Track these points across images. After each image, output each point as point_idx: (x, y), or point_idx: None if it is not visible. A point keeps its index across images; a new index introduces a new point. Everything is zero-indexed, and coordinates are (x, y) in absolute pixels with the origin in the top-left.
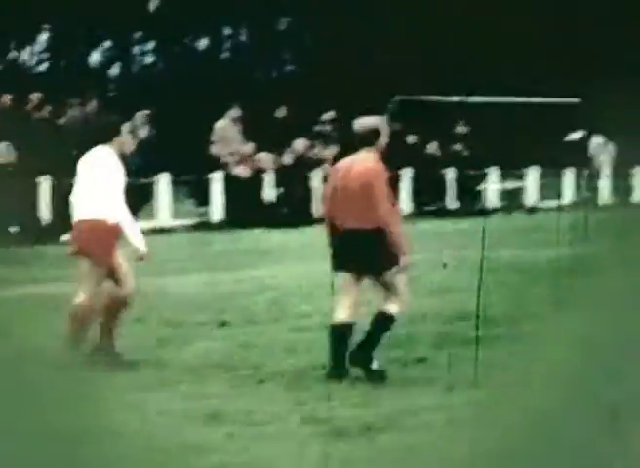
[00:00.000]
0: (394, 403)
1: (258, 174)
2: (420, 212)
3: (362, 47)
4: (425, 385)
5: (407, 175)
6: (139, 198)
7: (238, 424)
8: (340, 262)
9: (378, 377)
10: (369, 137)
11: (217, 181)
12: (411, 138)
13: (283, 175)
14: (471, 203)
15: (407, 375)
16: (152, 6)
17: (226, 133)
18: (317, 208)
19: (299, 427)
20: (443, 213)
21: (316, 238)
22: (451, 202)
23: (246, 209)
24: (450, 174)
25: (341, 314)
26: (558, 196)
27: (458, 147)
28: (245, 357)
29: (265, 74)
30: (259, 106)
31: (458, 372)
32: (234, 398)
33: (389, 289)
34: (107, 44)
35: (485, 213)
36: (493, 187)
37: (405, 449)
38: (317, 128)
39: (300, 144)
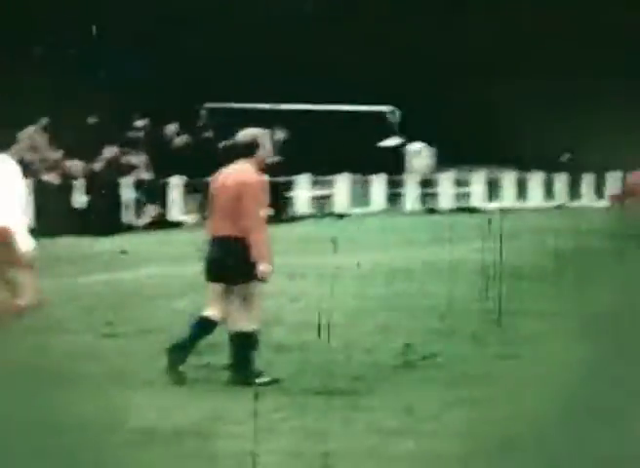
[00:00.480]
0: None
1: (67, 180)
2: None
3: (174, 53)
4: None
5: None
6: None
7: None
8: (208, 272)
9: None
10: (248, 148)
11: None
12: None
13: (93, 182)
14: (282, 210)
15: None
16: None
17: (34, 140)
18: (126, 215)
19: None
20: None
21: (125, 245)
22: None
23: (56, 216)
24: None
25: (215, 316)
26: (367, 203)
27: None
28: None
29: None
30: (69, 113)
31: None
32: None
33: (246, 301)
34: None
35: (295, 219)
36: (304, 194)
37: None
38: (129, 134)
39: (110, 151)
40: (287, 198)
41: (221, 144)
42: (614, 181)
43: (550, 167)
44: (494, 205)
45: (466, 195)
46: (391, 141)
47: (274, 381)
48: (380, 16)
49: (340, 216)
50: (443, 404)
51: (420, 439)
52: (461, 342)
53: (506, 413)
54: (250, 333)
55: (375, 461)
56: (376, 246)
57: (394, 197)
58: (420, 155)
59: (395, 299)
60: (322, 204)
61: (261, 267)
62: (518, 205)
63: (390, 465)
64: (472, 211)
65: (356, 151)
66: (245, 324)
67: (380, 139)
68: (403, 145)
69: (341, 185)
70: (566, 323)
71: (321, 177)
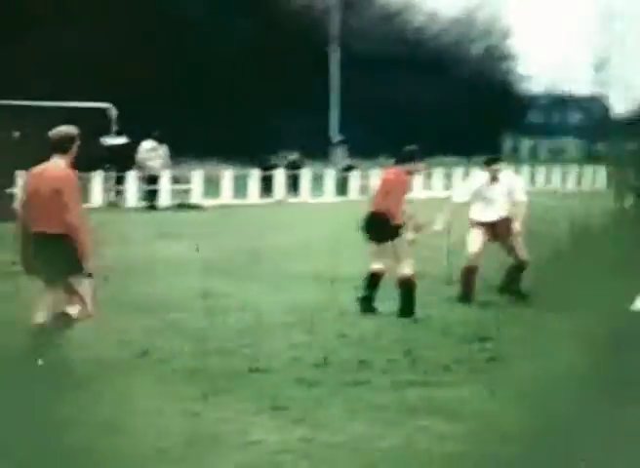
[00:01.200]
0: None
1: None
2: None
3: None
4: None
5: None
6: None
7: None
8: (30, 267)
9: None
10: (63, 145)
11: None
12: None
13: None
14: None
15: None
16: None
17: None
18: None
19: None
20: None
21: None
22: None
23: None
24: None
25: (40, 319)
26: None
27: None
28: None
29: None
30: None
31: None
32: None
33: (71, 293)
34: None
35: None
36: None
37: None
38: None
39: None
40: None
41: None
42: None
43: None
44: (213, 202)
45: (187, 192)
46: (119, 139)
47: None
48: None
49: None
50: None
51: None
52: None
53: None
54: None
55: None
56: None
57: (119, 193)
58: (151, 152)
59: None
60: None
61: (87, 264)
62: (237, 202)
63: None
64: (191, 207)
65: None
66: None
67: (100, 136)
68: (134, 143)
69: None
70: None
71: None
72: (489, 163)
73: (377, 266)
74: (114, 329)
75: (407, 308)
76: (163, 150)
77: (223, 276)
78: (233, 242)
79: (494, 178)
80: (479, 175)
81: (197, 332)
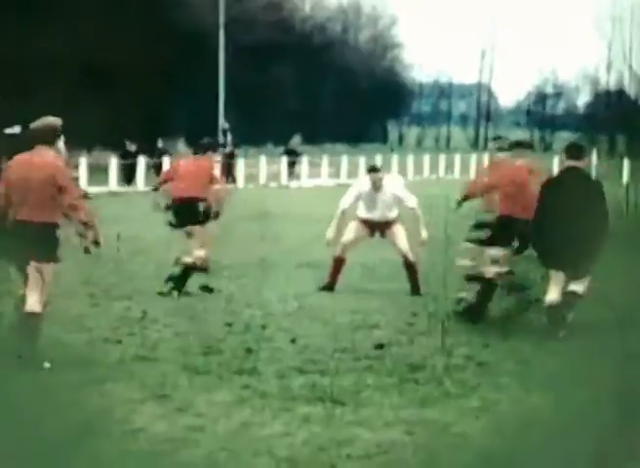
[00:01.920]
0: None
1: None
2: None
3: None
4: None
5: None
6: None
7: None
8: (22, 254)
9: None
10: (47, 136)
11: None
12: None
13: None
14: None
15: None
16: None
17: None
18: None
19: None
20: None
21: None
22: None
23: None
24: None
25: (33, 307)
26: None
27: None
28: None
29: None
30: None
31: None
32: None
33: (39, 281)
34: None
35: None
36: None
37: None
38: None
39: None
40: None
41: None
42: None
43: None
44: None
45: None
46: (15, 128)
47: None
48: None
49: None
50: None
51: None
52: None
53: None
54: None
55: None
56: None
57: None
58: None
59: None
60: None
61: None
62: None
63: None
64: None
65: None
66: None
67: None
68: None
69: None
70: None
71: None
72: (370, 171)
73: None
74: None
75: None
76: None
77: None
78: None
79: (376, 187)
80: (363, 181)
81: None
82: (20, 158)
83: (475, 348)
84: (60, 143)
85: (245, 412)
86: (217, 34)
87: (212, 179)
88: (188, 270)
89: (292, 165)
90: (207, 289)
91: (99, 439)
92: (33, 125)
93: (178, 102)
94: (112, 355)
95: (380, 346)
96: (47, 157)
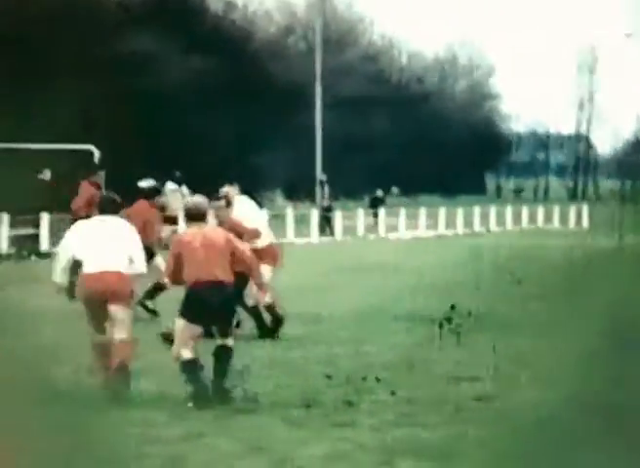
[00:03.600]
0: None
1: None
2: None
3: None
4: None
5: None
6: None
7: None
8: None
9: None
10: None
11: None
12: None
13: None
14: None
15: None
16: None
17: None
18: None
19: None
20: None
21: None
22: None
23: None
24: None
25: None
26: None
27: None
28: None
29: None
30: None
31: None
32: None
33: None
34: None
35: None
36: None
37: None
38: None
39: None
40: None
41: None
42: None
43: None
44: None
45: None
46: (147, 182)
47: None
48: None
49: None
50: None
51: None
52: None
53: None
54: None
55: None
56: None
57: None
58: (176, 194)
59: None
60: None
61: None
62: None
63: None
64: None
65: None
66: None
67: (86, 177)
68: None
69: (43, 224)
70: None
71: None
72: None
73: None
74: None
75: None
76: (183, 191)
77: None
78: None
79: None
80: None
81: None
82: (190, 233)
83: None
84: (184, 190)
85: (343, 466)
86: (313, 85)
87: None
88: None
89: (376, 216)
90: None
91: None
92: (189, 206)
93: (275, 154)
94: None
95: (479, 399)
96: (217, 232)
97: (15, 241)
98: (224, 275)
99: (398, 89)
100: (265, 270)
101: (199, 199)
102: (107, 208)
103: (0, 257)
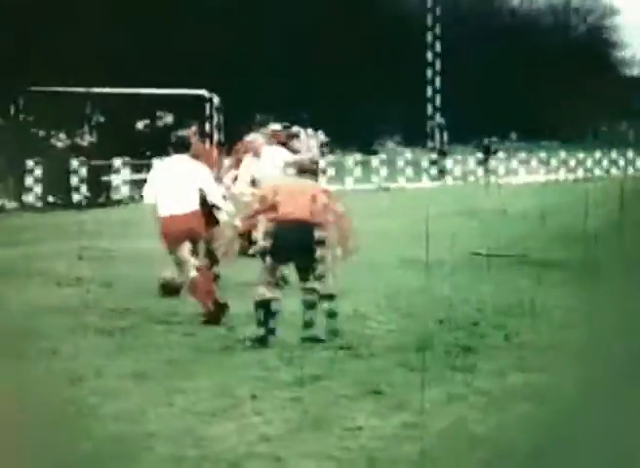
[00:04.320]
0: None
1: None
2: (50, 203)
3: None
4: None
5: (36, 166)
6: None
7: None
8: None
9: None
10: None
11: None
12: (41, 131)
13: None
14: (100, 194)
15: None
16: None
17: None
18: None
19: None
20: (72, 204)
21: None
22: (80, 193)
23: None
24: (77, 164)
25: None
26: None
27: (86, 138)
28: None
29: None
30: None
31: None
32: None
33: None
34: None
35: (114, 203)
36: (122, 178)
37: None
38: None
39: None
40: (105, 181)
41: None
42: None
43: None
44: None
45: None
46: (279, 125)
47: None
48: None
49: None
50: None
51: None
52: None
53: None
54: None
55: None
56: None
57: None
58: (307, 138)
59: None
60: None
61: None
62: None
63: None
64: None
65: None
66: None
67: (203, 123)
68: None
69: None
70: None
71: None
72: None
73: None
74: None
75: None
76: (317, 137)
77: None
78: None
79: None
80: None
81: None
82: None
83: None
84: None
85: (461, 410)
86: (431, 28)
87: None
88: None
89: (485, 161)
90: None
91: (320, 433)
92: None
93: (390, 98)
94: (323, 352)
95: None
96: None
97: (134, 185)
98: (311, 217)
99: (512, 33)
100: None
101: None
102: (177, 148)
103: (121, 201)
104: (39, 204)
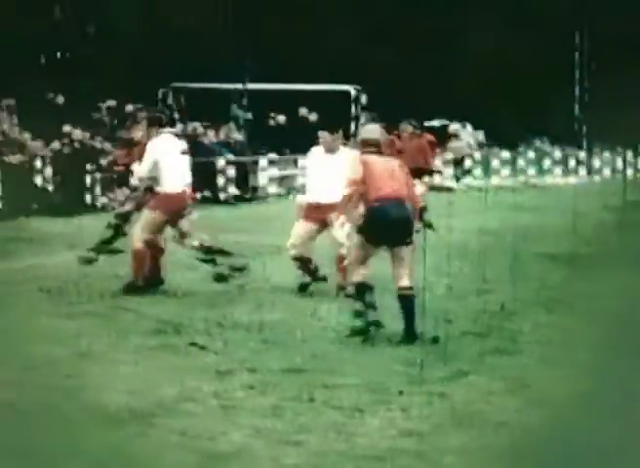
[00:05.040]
0: None
1: (32, 161)
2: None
3: (142, 34)
4: None
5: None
6: None
7: None
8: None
9: None
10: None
11: None
12: (190, 126)
13: (58, 163)
14: (247, 189)
15: None
16: None
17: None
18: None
19: None
20: (219, 199)
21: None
22: (227, 188)
23: (21, 197)
24: (225, 160)
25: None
26: None
27: (235, 134)
28: None
29: (43, 60)
30: (34, 93)
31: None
32: None
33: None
34: None
35: (260, 198)
36: (268, 173)
37: None
38: (95, 115)
39: (77, 133)
40: (254, 177)
41: None
42: None
43: None
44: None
45: None
46: (435, 122)
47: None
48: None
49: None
50: None
51: None
52: None
53: None
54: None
55: None
56: None
57: None
58: (459, 135)
59: None
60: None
61: None
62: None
63: None
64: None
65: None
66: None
67: (350, 119)
68: (445, 126)
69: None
70: None
71: (292, 156)
72: None
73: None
74: None
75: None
76: (470, 132)
77: None
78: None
79: None
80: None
81: None
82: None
83: None
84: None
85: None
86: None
87: None
88: None
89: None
90: None
91: (465, 431)
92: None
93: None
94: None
95: None
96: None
97: (279, 181)
98: (406, 193)
99: None
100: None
101: (376, 127)
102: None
103: (267, 196)
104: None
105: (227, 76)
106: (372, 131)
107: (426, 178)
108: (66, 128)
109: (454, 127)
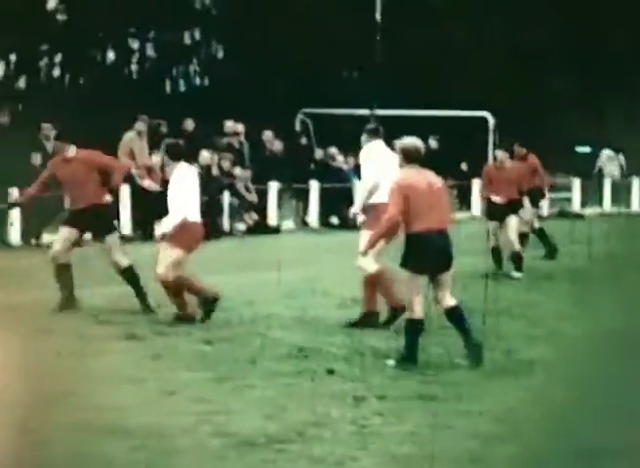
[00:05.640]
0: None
1: (166, 186)
2: (327, 224)
3: (269, 61)
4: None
5: (315, 188)
6: None
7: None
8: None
9: None
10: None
11: (124, 195)
12: (318, 152)
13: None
14: None
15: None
16: (60, 18)
17: (133, 145)
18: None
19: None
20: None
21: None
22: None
23: (154, 222)
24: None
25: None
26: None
27: None
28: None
29: (172, 87)
30: (166, 119)
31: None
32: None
33: (444, 286)
34: (13, 57)
35: None
36: None
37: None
38: (224, 140)
39: (205, 157)
40: None
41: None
42: None
43: None
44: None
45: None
46: (585, 148)
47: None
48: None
49: None
50: None
51: None
52: None
53: None
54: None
55: None
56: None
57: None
58: (612, 161)
59: None
60: None
61: None
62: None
63: None
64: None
65: (462, 157)
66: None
67: (482, 145)
68: (595, 151)
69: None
70: None
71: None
72: None
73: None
74: None
75: None
76: (620, 158)
77: None
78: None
79: None
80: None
81: None
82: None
83: None
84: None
85: None
86: None
87: None
88: None
89: None
90: None
91: None
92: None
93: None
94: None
95: None
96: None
97: None
98: (448, 221)
99: None
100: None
101: (417, 140)
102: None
103: None
104: (315, 224)
105: (357, 101)
106: (414, 141)
107: (541, 201)
108: (205, 153)
109: (606, 152)
